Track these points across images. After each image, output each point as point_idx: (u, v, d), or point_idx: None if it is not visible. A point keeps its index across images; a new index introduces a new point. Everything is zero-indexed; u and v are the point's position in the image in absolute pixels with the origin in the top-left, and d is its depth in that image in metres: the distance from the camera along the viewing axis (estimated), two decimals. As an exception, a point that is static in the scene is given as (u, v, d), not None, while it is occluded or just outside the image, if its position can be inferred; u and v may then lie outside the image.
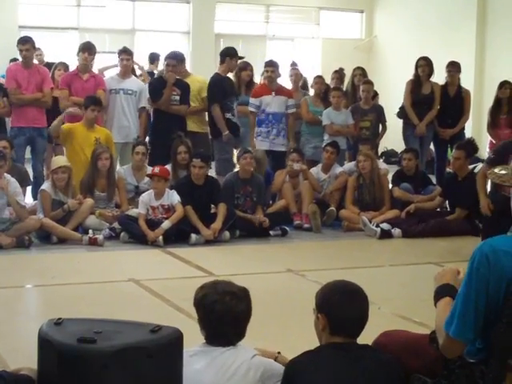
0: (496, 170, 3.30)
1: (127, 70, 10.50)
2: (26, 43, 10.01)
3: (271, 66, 10.65)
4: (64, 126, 9.58)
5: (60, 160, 8.90)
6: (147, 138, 10.56)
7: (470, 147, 9.84)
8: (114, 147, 9.70)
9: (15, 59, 13.11)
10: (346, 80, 12.22)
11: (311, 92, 11.67)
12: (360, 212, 9.62)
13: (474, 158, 13.85)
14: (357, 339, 3.32)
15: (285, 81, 11.61)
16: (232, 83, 10.47)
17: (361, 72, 11.85)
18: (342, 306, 3.29)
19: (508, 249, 3.00)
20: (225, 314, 3.33)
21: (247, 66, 11.36)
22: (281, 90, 10.61)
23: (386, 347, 3.47)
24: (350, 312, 3.28)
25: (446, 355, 3.19)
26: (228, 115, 10.16)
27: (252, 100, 10.49)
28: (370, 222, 9.32)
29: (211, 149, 10.50)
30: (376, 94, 11.73)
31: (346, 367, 3.18)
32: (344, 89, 11.79)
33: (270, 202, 9.90)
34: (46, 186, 8.82)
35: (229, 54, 10.37)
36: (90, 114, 9.47)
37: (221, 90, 10.15)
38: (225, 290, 3.39)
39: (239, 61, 10.70)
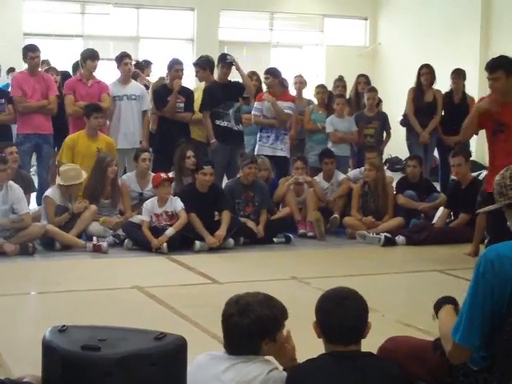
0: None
1: (129, 75, 10.51)
2: (36, 51, 10.06)
3: (266, 73, 10.72)
4: (68, 140, 9.60)
5: (75, 174, 8.79)
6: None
7: (467, 151, 9.92)
8: (116, 155, 9.71)
9: (12, 69, 13.17)
10: (348, 87, 12.24)
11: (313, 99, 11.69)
12: (362, 218, 9.64)
13: (477, 165, 13.89)
14: (359, 347, 3.31)
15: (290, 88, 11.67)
16: (230, 89, 10.28)
17: (365, 80, 11.88)
18: (330, 313, 3.29)
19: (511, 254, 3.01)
20: (234, 327, 3.34)
21: (252, 76, 11.37)
22: (283, 96, 10.60)
23: (391, 353, 3.47)
24: (338, 319, 3.26)
25: (453, 362, 3.20)
26: (219, 122, 10.11)
27: (256, 104, 10.53)
28: (369, 233, 9.34)
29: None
30: (380, 101, 11.74)
31: (347, 376, 3.16)
32: (347, 96, 11.80)
33: (275, 209, 9.88)
34: (50, 192, 8.82)
35: (218, 61, 10.42)
36: (94, 122, 9.48)
37: (210, 98, 10.11)
38: (245, 301, 3.40)
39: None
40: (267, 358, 3.42)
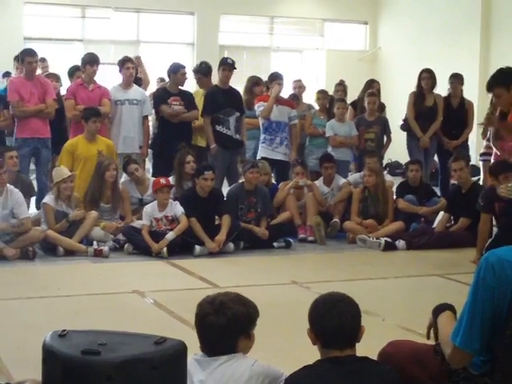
0: (510, 185, 3.37)
1: (131, 80, 10.49)
2: (34, 55, 10.04)
3: (282, 78, 10.75)
4: (67, 145, 9.60)
5: (64, 171, 8.89)
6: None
7: (467, 156, 9.94)
8: (117, 157, 9.71)
9: (8, 73, 13.13)
10: (349, 91, 12.25)
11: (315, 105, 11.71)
12: (362, 221, 9.64)
13: (477, 169, 13.91)
14: (355, 351, 3.29)
15: (288, 92, 11.69)
16: (231, 96, 10.30)
17: (378, 86, 11.84)
18: (321, 317, 3.28)
19: (512, 259, 3.01)
20: (211, 326, 3.34)
21: (260, 81, 11.41)
22: (284, 101, 10.64)
23: (392, 357, 3.46)
24: (334, 321, 3.24)
25: (453, 366, 3.19)
26: (219, 128, 10.09)
27: (258, 104, 10.54)
28: (369, 238, 9.32)
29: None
30: (384, 107, 11.75)
31: (345, 381, 3.15)
32: (352, 99, 11.81)
33: (275, 213, 9.87)
34: (47, 199, 8.80)
35: (219, 65, 10.39)
36: (92, 126, 9.47)
37: (212, 103, 10.09)
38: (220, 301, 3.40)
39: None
40: None
